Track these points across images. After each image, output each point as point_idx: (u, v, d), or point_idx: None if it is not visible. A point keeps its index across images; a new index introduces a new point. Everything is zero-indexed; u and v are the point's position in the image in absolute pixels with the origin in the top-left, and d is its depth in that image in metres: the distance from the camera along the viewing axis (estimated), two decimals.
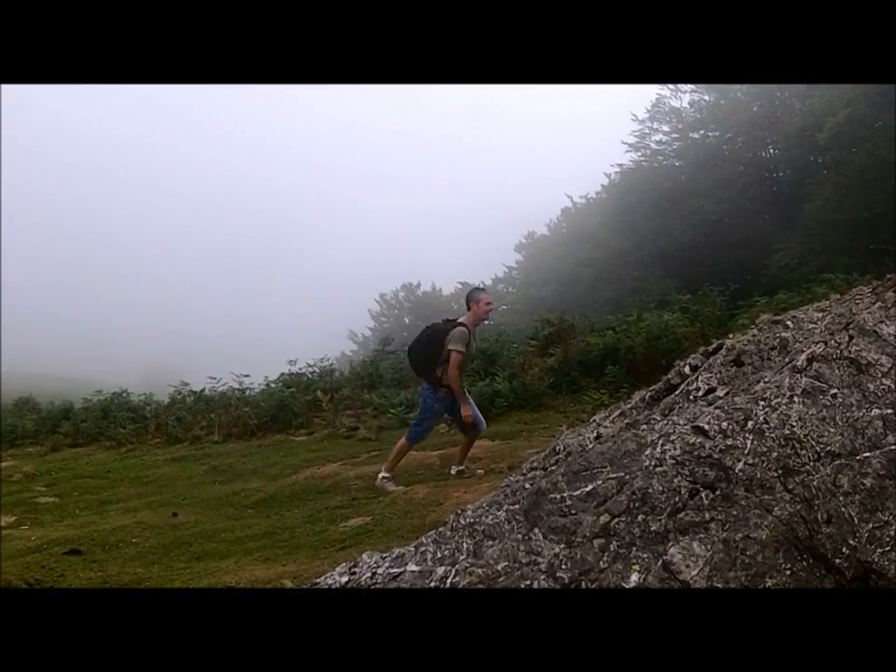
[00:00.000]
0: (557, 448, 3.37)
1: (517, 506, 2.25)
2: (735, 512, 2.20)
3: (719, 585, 2.06)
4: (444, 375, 9.32)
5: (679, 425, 2.43)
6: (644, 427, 2.80)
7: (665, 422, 2.53)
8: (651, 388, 3.48)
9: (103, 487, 12.82)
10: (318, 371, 19.47)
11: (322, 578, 2.31)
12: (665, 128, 38.35)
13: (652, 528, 2.16)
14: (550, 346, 16.49)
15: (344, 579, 2.21)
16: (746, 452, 2.30)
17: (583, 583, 2.04)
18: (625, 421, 3.20)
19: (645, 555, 2.12)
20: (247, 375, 19.12)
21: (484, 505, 2.32)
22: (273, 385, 18.95)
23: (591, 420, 3.70)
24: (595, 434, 3.21)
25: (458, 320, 9.45)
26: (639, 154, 39.52)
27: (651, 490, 2.23)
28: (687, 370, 3.31)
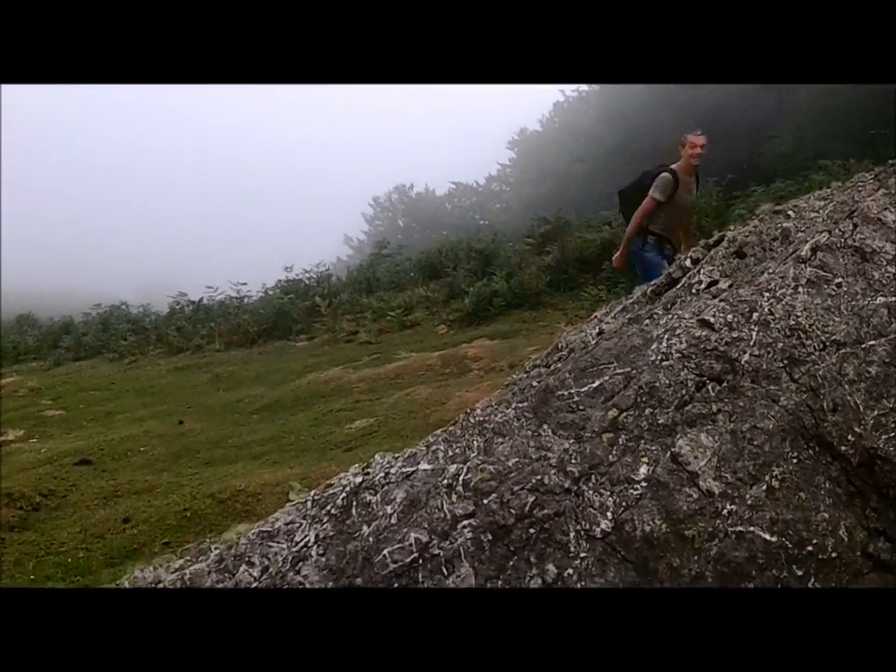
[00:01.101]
0: (560, 345, 3.37)
1: (525, 403, 2.27)
2: (741, 403, 2.23)
3: (727, 476, 2.10)
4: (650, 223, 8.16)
5: (685, 318, 2.44)
6: (648, 322, 2.80)
7: (670, 316, 2.53)
8: (652, 283, 3.47)
9: (108, 399, 12.95)
10: (315, 276, 19.44)
11: (336, 479, 2.35)
12: None
13: (660, 421, 2.19)
14: (546, 244, 16.41)
15: (358, 479, 2.25)
16: (751, 343, 2.32)
17: (593, 477, 2.08)
18: (627, 316, 3.20)
19: (653, 448, 2.15)
20: (245, 283, 19.10)
21: (493, 403, 2.35)
22: (271, 293, 18.94)
23: (592, 316, 3.69)
24: (597, 330, 3.22)
25: (670, 165, 8.15)
26: None
27: (657, 384, 2.25)
28: (688, 263, 3.30)
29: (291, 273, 19.61)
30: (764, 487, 2.13)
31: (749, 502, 2.10)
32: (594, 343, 2.87)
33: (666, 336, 2.36)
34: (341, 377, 11.30)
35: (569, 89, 41.42)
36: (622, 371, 2.28)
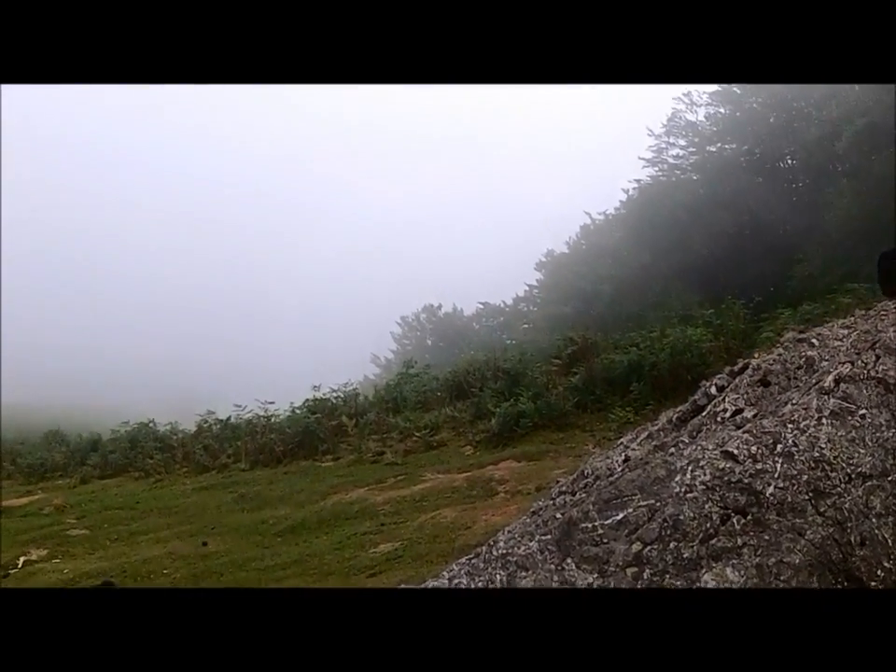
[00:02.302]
0: (585, 472, 3.36)
1: (549, 536, 2.26)
2: (767, 537, 2.21)
3: None
4: None
5: (708, 450, 2.43)
6: (672, 451, 2.80)
7: (694, 447, 2.53)
8: (678, 409, 3.47)
9: (132, 518, 12.92)
10: (342, 395, 19.48)
11: None
12: (682, 142, 38.30)
13: (685, 555, 2.17)
14: (573, 364, 16.43)
15: None
16: (776, 475, 2.30)
17: None
18: (653, 443, 3.19)
19: (678, 583, 2.12)
20: (272, 402, 19.16)
21: (516, 535, 2.33)
22: (298, 412, 18.97)
23: (618, 442, 3.69)
24: (623, 457, 3.21)
25: None
26: (657, 169, 39.48)
27: (682, 517, 2.23)
28: (713, 390, 3.30)
29: (319, 392, 19.68)
30: None
31: None
32: (619, 471, 2.86)
33: (690, 468, 2.36)
34: (366, 499, 11.24)
35: (595, 212, 42.15)
36: (645, 503, 2.27)
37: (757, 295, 20.10)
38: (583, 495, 2.57)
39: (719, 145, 37.10)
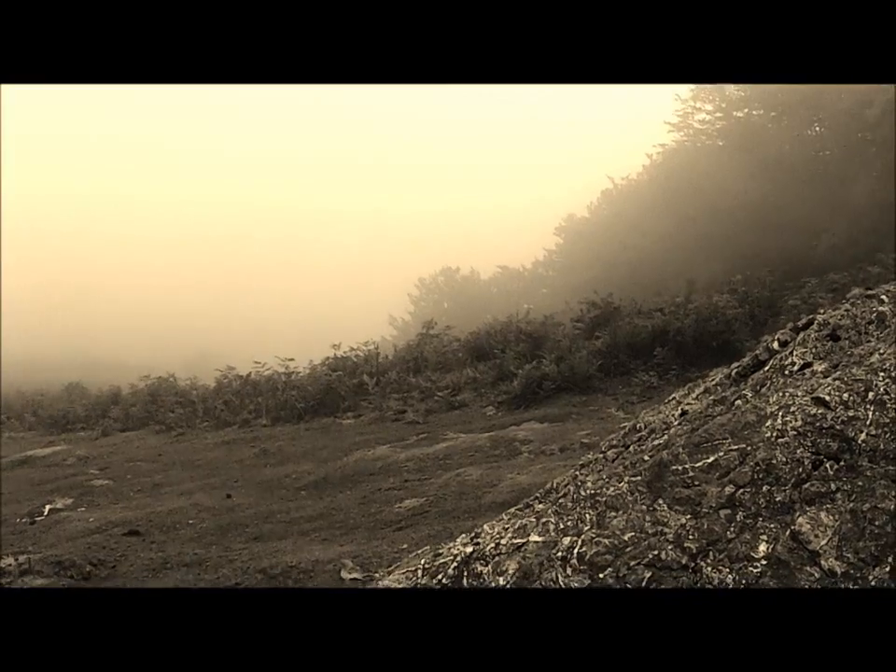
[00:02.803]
0: (638, 426, 3.35)
1: (639, 477, 2.23)
2: (860, 483, 2.17)
3: (848, 556, 2.03)
4: None
5: (798, 396, 2.39)
6: (739, 402, 2.76)
7: (782, 393, 2.49)
8: (735, 365, 3.43)
9: (155, 470, 12.97)
10: (363, 354, 19.50)
11: (445, 548, 2.30)
12: (709, 107, 37.88)
13: (778, 499, 2.14)
14: (596, 329, 16.40)
15: (469, 549, 2.20)
16: (868, 423, 2.26)
17: (711, 553, 2.02)
18: (711, 398, 3.15)
19: (772, 525, 2.09)
20: (292, 359, 19.19)
21: (604, 477, 2.30)
22: (318, 370, 19.01)
23: (670, 398, 3.66)
24: (679, 411, 3.18)
25: None
26: (682, 134, 39.14)
27: (774, 461, 2.20)
28: (776, 345, 3.26)
29: (339, 351, 19.70)
30: (888, 569, 2.05)
31: (873, 583, 2.03)
32: (676, 424, 2.82)
33: (781, 413, 2.32)
34: (389, 456, 11.24)
35: (619, 176, 41.86)
36: (736, 447, 2.23)
37: (782, 264, 20.00)
38: (657, 441, 2.53)
39: (746, 110, 36.66)
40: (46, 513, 10.07)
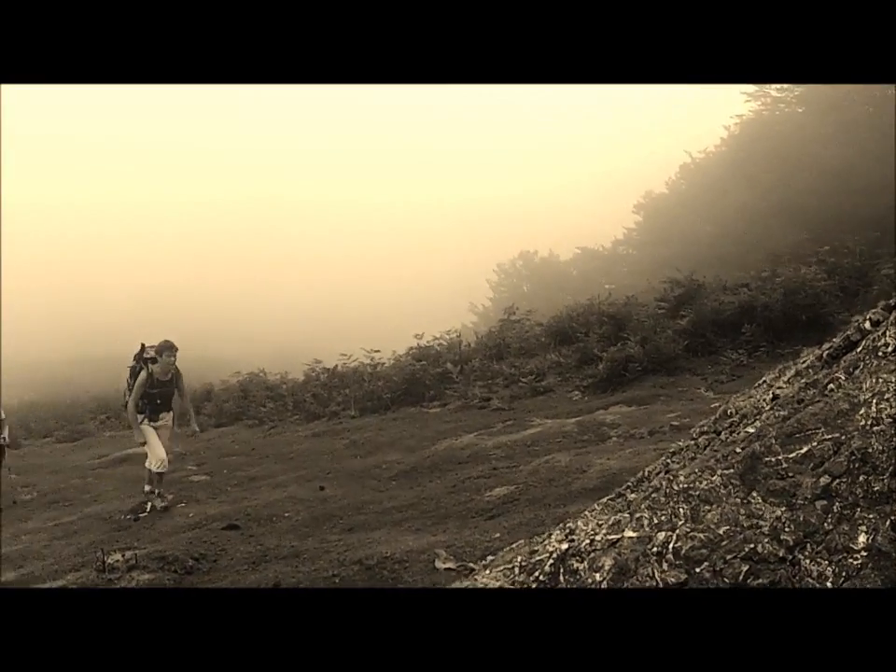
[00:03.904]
0: (728, 411, 3.31)
1: (731, 470, 2.22)
2: None
3: None
4: None
5: (892, 382, 2.35)
6: (832, 386, 2.71)
7: (875, 378, 2.45)
8: (826, 346, 3.36)
9: (250, 464, 13.28)
10: (446, 343, 19.61)
11: (541, 545, 2.34)
12: None
13: (875, 488, 2.10)
14: (680, 307, 16.13)
15: (564, 546, 2.23)
16: None
17: (808, 545, 2.01)
18: (803, 381, 3.10)
19: (871, 516, 2.06)
20: (378, 351, 19.41)
21: (696, 470, 2.30)
22: (403, 360, 19.18)
23: (760, 381, 3.61)
24: (770, 395, 3.14)
25: None
26: (759, 103, 38.20)
27: (870, 450, 2.16)
28: (867, 325, 3.18)
29: (422, 341, 19.84)
30: None
31: None
32: (768, 409, 2.79)
33: (875, 400, 2.28)
34: (476, 444, 11.28)
35: (696, 150, 41.08)
36: (830, 436, 2.21)
37: (872, 231, 19.34)
38: (748, 430, 2.51)
39: None
40: (148, 510, 10.38)
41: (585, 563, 2.12)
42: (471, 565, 5.39)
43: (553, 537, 2.33)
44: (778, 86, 37.18)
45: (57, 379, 48.84)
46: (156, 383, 10.38)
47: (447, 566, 6.08)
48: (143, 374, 10.32)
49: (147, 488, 10.61)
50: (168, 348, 10.32)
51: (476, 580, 2.37)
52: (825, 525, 2.06)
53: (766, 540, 2.03)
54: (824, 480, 2.14)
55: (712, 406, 8.89)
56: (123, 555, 7.18)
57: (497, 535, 6.64)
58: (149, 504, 10.37)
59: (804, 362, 3.39)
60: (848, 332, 3.31)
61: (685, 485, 2.22)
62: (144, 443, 10.38)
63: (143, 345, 10.54)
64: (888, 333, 2.92)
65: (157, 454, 10.33)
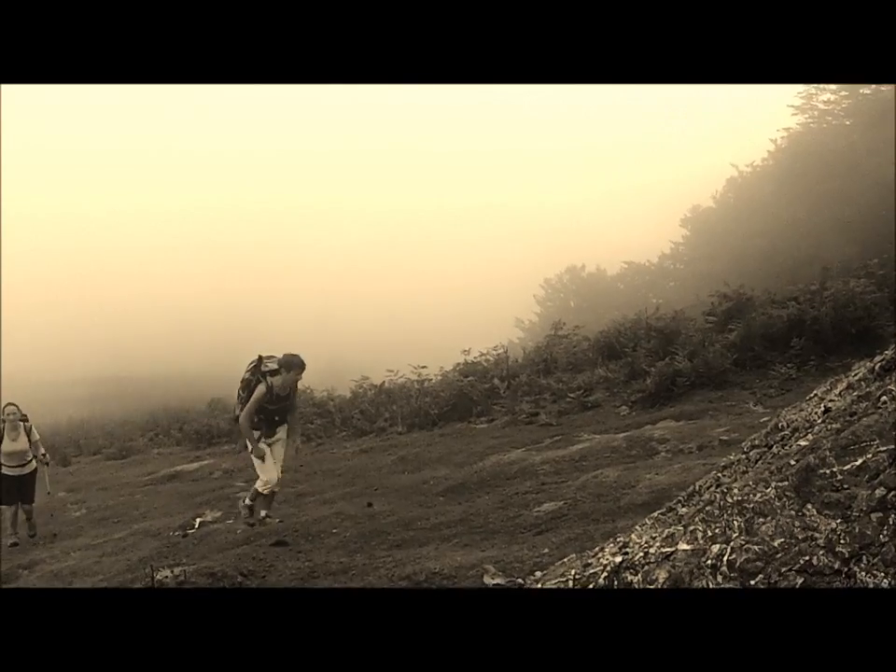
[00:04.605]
0: (780, 425, 3.29)
1: (786, 482, 2.21)
2: None
3: None
4: None
5: None
6: (885, 398, 2.69)
7: None
8: (879, 359, 3.33)
9: (298, 480, 13.36)
10: (493, 358, 19.61)
11: (594, 557, 2.34)
12: (833, 86, 36.51)
13: None
14: (729, 321, 15.98)
15: (618, 559, 2.24)
16: None
17: (864, 557, 2.00)
18: (855, 394, 3.07)
19: None
20: (425, 367, 19.46)
21: (750, 483, 2.29)
22: (450, 375, 19.21)
23: (811, 395, 3.58)
24: (822, 408, 3.12)
25: None
26: (806, 116, 37.85)
27: None
28: None
29: (469, 356, 19.86)
30: None
31: None
32: (820, 422, 2.77)
33: None
34: (524, 459, 11.26)
35: (742, 164, 40.76)
36: (885, 448, 2.19)
37: None
38: (800, 444, 2.50)
39: (874, 87, 35.08)
40: (197, 526, 10.50)
41: (639, 575, 2.12)
42: (520, 580, 5.38)
43: (606, 550, 2.33)
44: (825, 98, 36.82)
45: (94, 397, 49.63)
46: (274, 398, 9.66)
47: (496, 581, 6.07)
48: (261, 388, 9.54)
49: (247, 502, 10.02)
50: (297, 365, 9.64)
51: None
52: (881, 537, 2.04)
53: (821, 553, 2.02)
54: (879, 492, 2.12)
55: (761, 420, 8.79)
56: (172, 571, 7.26)
57: (546, 550, 6.62)
58: (198, 520, 10.47)
59: (855, 375, 3.37)
60: None
61: (739, 498, 2.22)
62: (262, 458, 9.65)
63: (261, 357, 9.76)
64: None
65: (269, 475, 9.72)
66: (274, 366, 9.60)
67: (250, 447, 9.78)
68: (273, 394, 9.60)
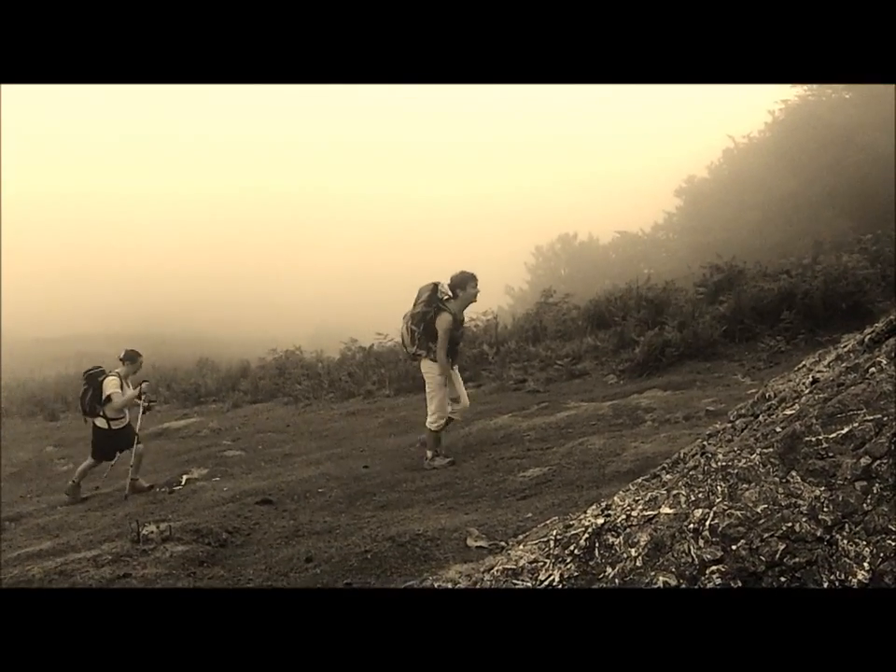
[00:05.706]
0: (767, 395, 3.28)
1: (771, 449, 2.20)
2: None
3: None
4: None
5: None
6: (873, 370, 2.68)
7: None
8: (869, 331, 3.32)
9: (284, 441, 13.39)
10: (482, 324, 19.60)
11: (576, 519, 2.34)
12: None
13: None
14: (720, 293, 15.98)
15: (600, 521, 2.23)
16: None
17: (847, 525, 1.99)
18: (844, 365, 3.06)
19: None
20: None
21: (735, 449, 2.29)
22: None
23: (799, 365, 3.57)
24: (810, 379, 3.11)
25: None
26: (805, 88, 37.69)
27: None
28: None
29: None
30: None
31: None
32: (807, 392, 2.76)
33: None
34: (510, 425, 11.27)
35: (739, 135, 40.63)
36: (872, 417, 2.18)
37: None
38: (786, 412, 2.48)
39: None
40: (183, 483, 10.50)
41: (621, 538, 2.12)
42: (503, 543, 5.39)
43: (588, 512, 2.32)
44: None
45: (82, 355, 49.80)
46: (458, 324, 9.18)
47: (479, 544, 6.10)
48: (446, 317, 9.00)
49: (428, 454, 9.57)
50: (471, 278, 9.12)
51: (510, 554, 2.37)
52: (864, 505, 2.03)
53: (804, 520, 2.02)
54: (865, 461, 2.11)
55: (749, 392, 8.80)
56: (158, 527, 7.27)
57: (530, 515, 6.64)
58: (184, 477, 10.46)
59: (845, 347, 3.36)
60: (892, 317, 3.26)
61: (723, 463, 2.21)
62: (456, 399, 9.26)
63: (435, 285, 9.17)
64: None
65: (444, 411, 9.39)
66: (448, 292, 9.20)
67: (443, 380, 9.34)
68: (457, 320, 9.27)
